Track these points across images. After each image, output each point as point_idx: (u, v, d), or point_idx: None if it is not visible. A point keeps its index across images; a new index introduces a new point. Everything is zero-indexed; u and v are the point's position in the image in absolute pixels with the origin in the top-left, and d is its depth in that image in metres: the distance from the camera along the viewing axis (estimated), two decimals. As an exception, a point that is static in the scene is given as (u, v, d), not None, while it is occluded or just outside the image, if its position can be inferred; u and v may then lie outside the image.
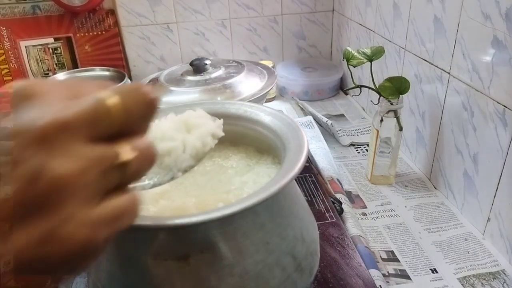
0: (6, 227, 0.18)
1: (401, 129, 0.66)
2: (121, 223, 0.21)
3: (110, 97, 0.21)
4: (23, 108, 0.20)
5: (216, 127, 0.32)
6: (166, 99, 0.64)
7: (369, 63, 0.64)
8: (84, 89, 0.22)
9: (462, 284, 0.52)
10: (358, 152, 0.82)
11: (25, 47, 0.98)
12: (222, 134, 0.32)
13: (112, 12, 1.01)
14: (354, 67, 0.64)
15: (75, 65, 1.02)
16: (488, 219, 0.57)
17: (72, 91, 0.22)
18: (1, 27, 0.95)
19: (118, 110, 0.21)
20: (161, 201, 0.38)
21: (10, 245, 0.18)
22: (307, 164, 0.71)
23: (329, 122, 0.87)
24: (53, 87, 0.22)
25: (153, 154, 0.23)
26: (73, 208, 0.19)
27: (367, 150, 0.82)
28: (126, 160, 0.21)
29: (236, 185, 0.40)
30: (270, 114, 0.43)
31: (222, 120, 0.33)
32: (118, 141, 0.21)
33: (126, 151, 0.21)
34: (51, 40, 1.00)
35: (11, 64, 0.98)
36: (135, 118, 0.22)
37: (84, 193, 0.19)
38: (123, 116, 0.21)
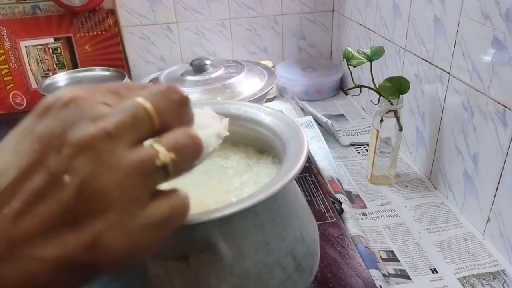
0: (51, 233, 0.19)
1: (401, 129, 0.66)
2: (168, 226, 0.22)
3: (146, 101, 0.22)
4: (68, 116, 0.21)
5: (222, 127, 0.31)
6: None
7: (369, 63, 0.64)
8: (124, 92, 0.24)
9: (462, 284, 0.52)
10: (358, 152, 0.82)
11: (25, 47, 0.98)
12: (227, 133, 0.32)
13: (112, 12, 1.01)
14: (354, 67, 0.64)
15: (75, 65, 1.02)
16: (488, 219, 0.57)
17: (113, 94, 0.23)
18: (1, 27, 0.95)
19: (155, 112, 0.22)
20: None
21: (53, 248, 0.19)
22: (307, 164, 0.71)
23: (329, 122, 0.87)
24: (94, 91, 0.23)
25: (197, 144, 0.23)
26: (118, 216, 0.20)
27: (367, 150, 0.82)
28: (165, 161, 0.21)
29: (236, 185, 0.40)
30: (270, 114, 0.43)
31: (228, 119, 0.33)
32: (161, 136, 0.22)
33: (165, 151, 0.21)
34: (51, 40, 1.00)
35: (11, 64, 0.98)
36: (172, 117, 0.23)
37: (128, 201, 0.20)
38: (161, 118, 0.22)
